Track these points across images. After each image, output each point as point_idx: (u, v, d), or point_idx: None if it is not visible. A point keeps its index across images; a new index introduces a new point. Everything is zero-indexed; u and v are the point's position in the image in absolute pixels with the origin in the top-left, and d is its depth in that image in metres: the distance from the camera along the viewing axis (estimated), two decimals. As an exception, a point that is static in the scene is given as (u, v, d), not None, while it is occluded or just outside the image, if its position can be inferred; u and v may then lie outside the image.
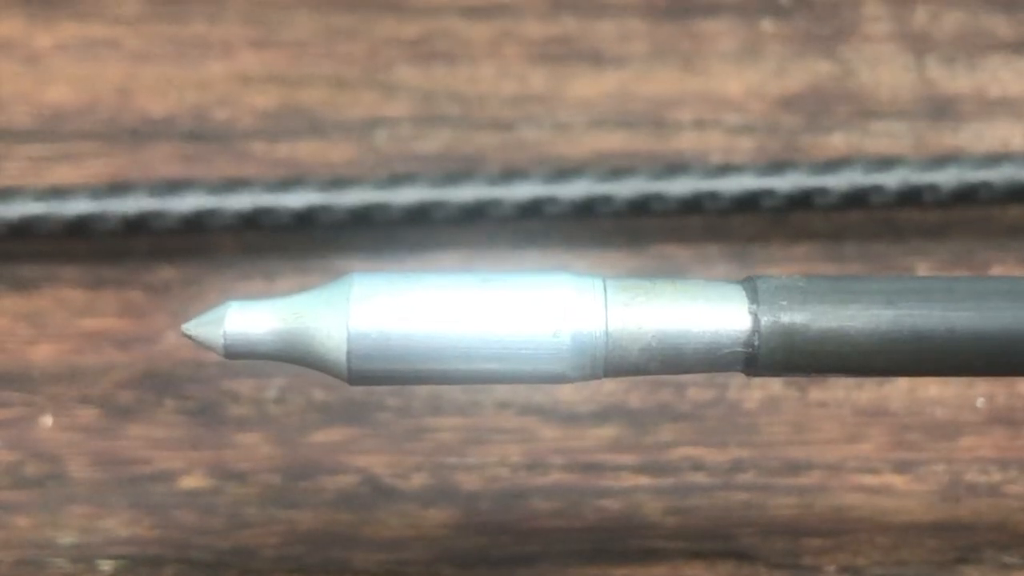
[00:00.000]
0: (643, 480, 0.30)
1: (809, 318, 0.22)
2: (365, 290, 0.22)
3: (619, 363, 0.22)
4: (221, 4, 0.34)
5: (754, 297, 0.22)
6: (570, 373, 0.22)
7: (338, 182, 0.31)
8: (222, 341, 0.22)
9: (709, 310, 0.22)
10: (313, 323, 0.22)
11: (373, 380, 0.22)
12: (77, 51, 0.33)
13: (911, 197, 0.31)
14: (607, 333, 0.22)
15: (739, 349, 0.22)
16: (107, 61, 0.33)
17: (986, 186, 0.31)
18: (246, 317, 0.22)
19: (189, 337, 0.22)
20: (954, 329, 0.22)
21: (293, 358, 0.22)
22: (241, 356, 0.22)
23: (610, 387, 0.31)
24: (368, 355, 0.22)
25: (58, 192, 0.31)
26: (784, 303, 0.22)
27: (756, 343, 0.22)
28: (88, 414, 0.31)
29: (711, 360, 0.22)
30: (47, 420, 0.31)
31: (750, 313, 0.22)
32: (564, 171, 0.31)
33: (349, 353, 0.21)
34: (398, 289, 0.22)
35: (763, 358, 0.22)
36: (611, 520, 0.30)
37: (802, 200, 0.31)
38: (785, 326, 0.22)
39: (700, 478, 0.30)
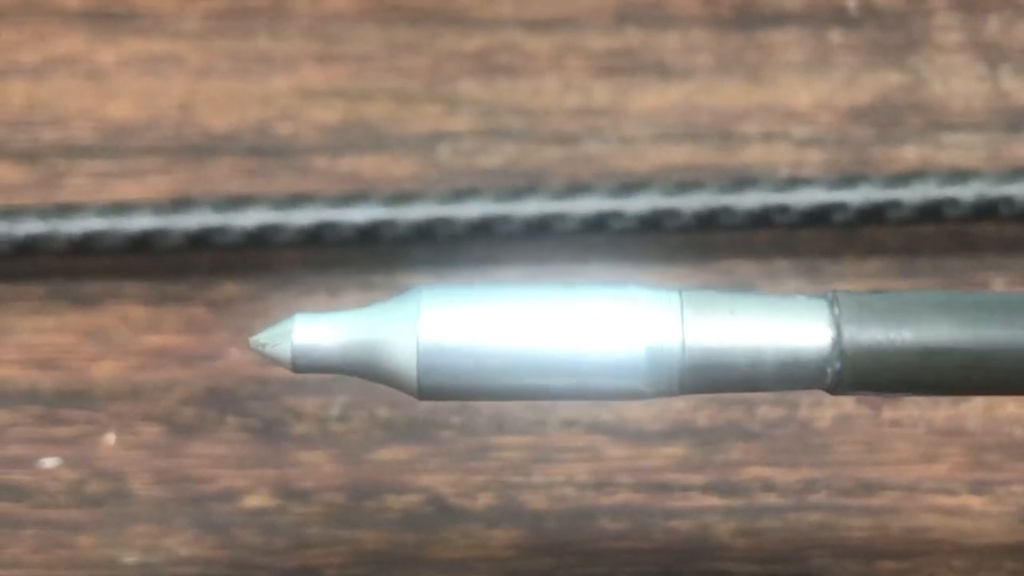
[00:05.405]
0: (713, 500, 0.30)
1: (893, 335, 0.21)
2: (435, 303, 0.21)
3: (696, 379, 0.21)
4: (284, 19, 0.34)
5: (837, 312, 0.21)
6: (645, 389, 0.21)
7: (401, 197, 0.31)
8: (290, 355, 0.21)
9: (790, 325, 0.21)
10: (382, 337, 0.21)
11: (443, 395, 0.21)
12: (140, 67, 0.33)
13: (986, 211, 0.30)
14: (683, 348, 0.21)
15: (821, 366, 0.21)
16: (170, 77, 0.33)
17: (1063, 199, 0.30)
18: (314, 330, 0.21)
19: (257, 351, 0.22)
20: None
21: (361, 372, 0.21)
22: (309, 370, 0.22)
23: (679, 405, 0.30)
24: (438, 370, 0.21)
25: (121, 208, 0.31)
26: (868, 319, 0.21)
27: (839, 360, 0.21)
28: (151, 431, 0.30)
29: (792, 377, 0.21)
30: (110, 438, 0.30)
31: (833, 329, 0.21)
32: (629, 185, 0.31)
33: (419, 367, 0.21)
34: (468, 302, 0.21)
35: (846, 376, 0.21)
36: (680, 541, 0.29)
37: (874, 214, 0.31)
38: (869, 343, 0.21)
39: (771, 499, 0.30)
